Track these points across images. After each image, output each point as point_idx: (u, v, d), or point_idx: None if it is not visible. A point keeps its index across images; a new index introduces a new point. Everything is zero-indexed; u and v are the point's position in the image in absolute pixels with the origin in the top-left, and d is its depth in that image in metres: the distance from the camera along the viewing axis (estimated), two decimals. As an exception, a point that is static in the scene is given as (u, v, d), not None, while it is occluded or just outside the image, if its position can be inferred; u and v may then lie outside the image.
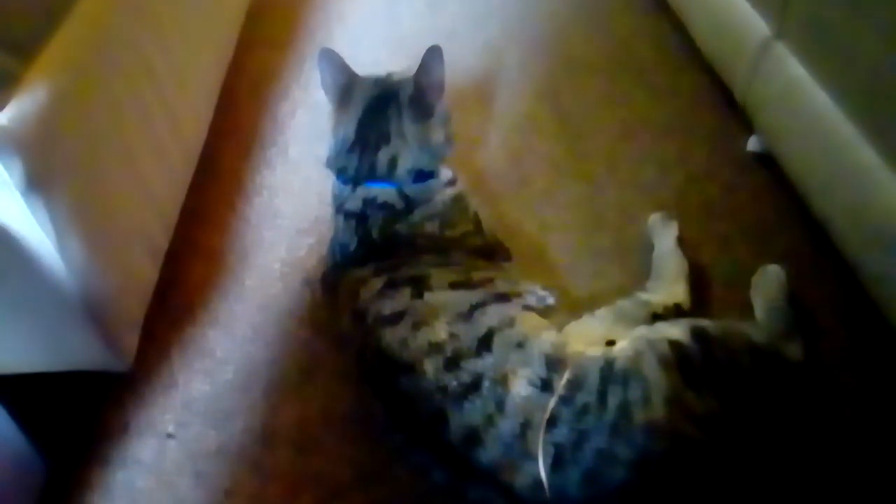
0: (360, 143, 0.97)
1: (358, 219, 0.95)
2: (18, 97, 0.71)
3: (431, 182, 0.97)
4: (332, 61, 1.00)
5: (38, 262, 0.75)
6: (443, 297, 0.84)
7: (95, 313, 0.83)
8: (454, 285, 0.86)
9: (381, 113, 0.98)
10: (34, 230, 0.72)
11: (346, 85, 1.01)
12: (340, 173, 0.99)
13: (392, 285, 0.85)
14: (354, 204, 0.96)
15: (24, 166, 0.69)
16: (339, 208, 0.98)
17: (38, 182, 0.71)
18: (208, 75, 1.25)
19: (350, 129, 0.98)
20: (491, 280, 0.89)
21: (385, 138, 0.96)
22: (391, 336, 0.81)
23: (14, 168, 0.68)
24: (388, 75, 1.03)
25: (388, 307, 0.83)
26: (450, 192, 0.98)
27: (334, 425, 0.90)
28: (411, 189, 0.96)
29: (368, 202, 0.95)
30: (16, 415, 0.82)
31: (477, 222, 0.98)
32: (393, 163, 0.96)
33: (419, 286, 0.85)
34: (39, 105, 0.72)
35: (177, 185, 1.08)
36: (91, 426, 0.92)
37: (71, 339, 0.85)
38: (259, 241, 1.13)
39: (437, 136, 0.99)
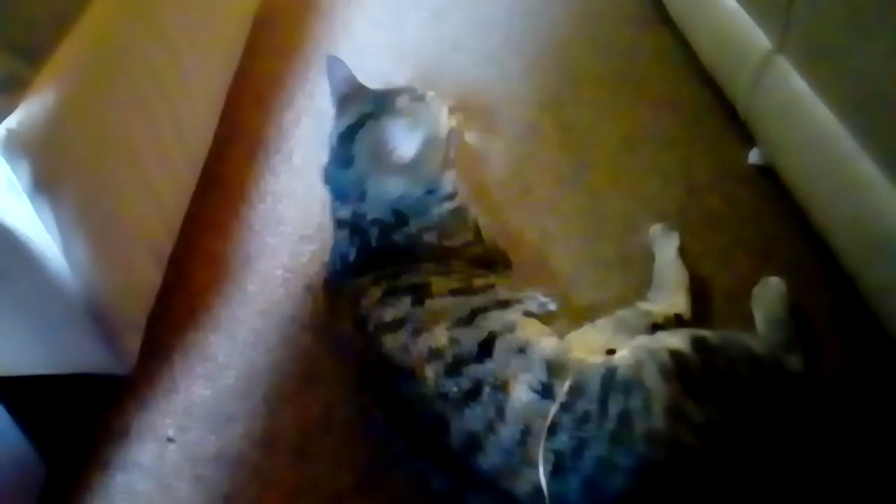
0: (339, 158, 0.97)
1: (351, 228, 0.95)
2: (27, 101, 0.72)
3: (425, 197, 0.96)
4: (335, 70, 1.01)
5: (43, 264, 0.75)
6: (443, 303, 0.84)
7: (98, 316, 0.83)
8: (455, 292, 0.86)
9: (359, 132, 0.96)
10: (40, 232, 0.73)
11: (346, 95, 1.01)
12: (328, 184, 0.99)
13: (393, 293, 0.86)
14: (345, 213, 0.96)
15: (32, 169, 0.70)
16: (333, 217, 0.98)
17: (45, 185, 0.72)
18: (214, 82, 1.26)
19: (334, 142, 0.98)
20: (492, 286, 0.89)
21: (352, 160, 0.96)
22: (392, 343, 0.81)
23: (22, 171, 0.69)
24: (391, 92, 1.00)
25: (388, 314, 0.84)
26: (448, 205, 0.97)
27: (334, 431, 0.90)
28: (401, 205, 0.95)
29: (359, 216, 0.94)
30: (17, 416, 0.82)
31: (477, 231, 0.98)
32: (361, 183, 0.95)
33: (420, 293, 0.85)
34: (47, 109, 0.73)
35: (181, 190, 1.09)
36: (92, 429, 0.92)
37: (73, 342, 0.85)
38: (262, 247, 1.14)
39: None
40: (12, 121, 0.69)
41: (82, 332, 0.83)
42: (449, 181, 0.99)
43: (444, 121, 0.99)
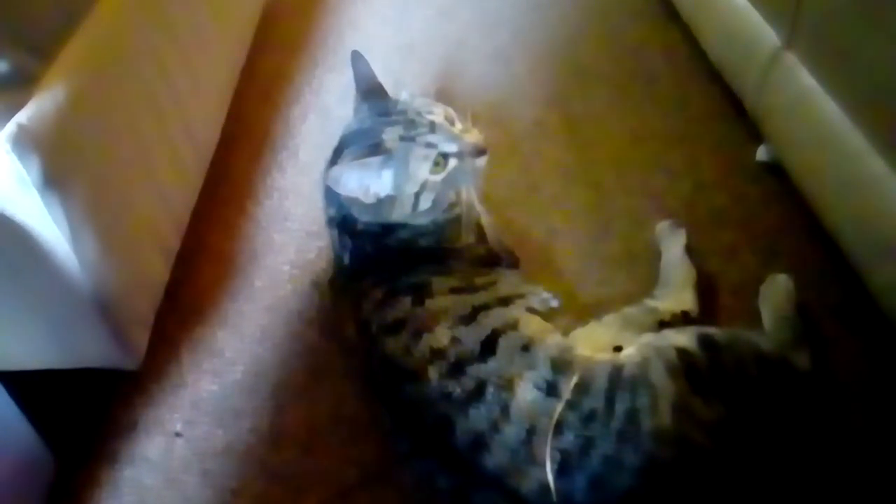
0: (331, 159, 0.92)
1: (339, 226, 0.93)
2: (37, 97, 0.72)
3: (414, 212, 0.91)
4: (358, 65, 0.95)
5: (52, 259, 0.76)
6: (444, 302, 0.83)
7: (107, 311, 0.83)
8: (455, 290, 0.86)
9: (345, 150, 0.90)
10: (50, 228, 0.74)
11: (365, 93, 0.95)
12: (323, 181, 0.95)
13: (393, 294, 0.85)
14: (332, 211, 0.94)
15: (42, 165, 0.70)
16: (325, 214, 0.96)
17: (55, 180, 0.72)
18: (221, 78, 1.26)
19: (337, 140, 0.94)
20: (493, 283, 0.89)
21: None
22: (394, 344, 0.81)
23: (32, 166, 0.70)
24: (388, 120, 0.90)
25: (389, 316, 0.83)
26: (445, 215, 0.92)
27: (341, 426, 0.90)
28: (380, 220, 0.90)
29: (345, 216, 0.92)
30: (26, 411, 0.83)
31: (479, 232, 0.96)
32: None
33: (420, 293, 0.84)
34: (57, 105, 0.73)
35: (189, 187, 1.09)
36: (100, 423, 0.93)
37: (82, 337, 0.86)
38: (269, 243, 1.14)
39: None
40: (22, 116, 0.70)
41: (91, 326, 0.84)
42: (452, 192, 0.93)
43: (421, 174, 0.87)
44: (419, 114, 0.89)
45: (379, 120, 0.90)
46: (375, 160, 0.86)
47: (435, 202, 0.89)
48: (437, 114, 0.90)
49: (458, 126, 0.91)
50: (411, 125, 0.88)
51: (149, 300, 0.94)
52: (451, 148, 0.87)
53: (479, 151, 0.89)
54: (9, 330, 0.83)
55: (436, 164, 0.87)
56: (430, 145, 0.87)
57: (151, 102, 0.96)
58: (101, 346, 0.87)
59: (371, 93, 0.93)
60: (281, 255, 1.12)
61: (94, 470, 0.88)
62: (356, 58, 0.95)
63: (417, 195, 0.88)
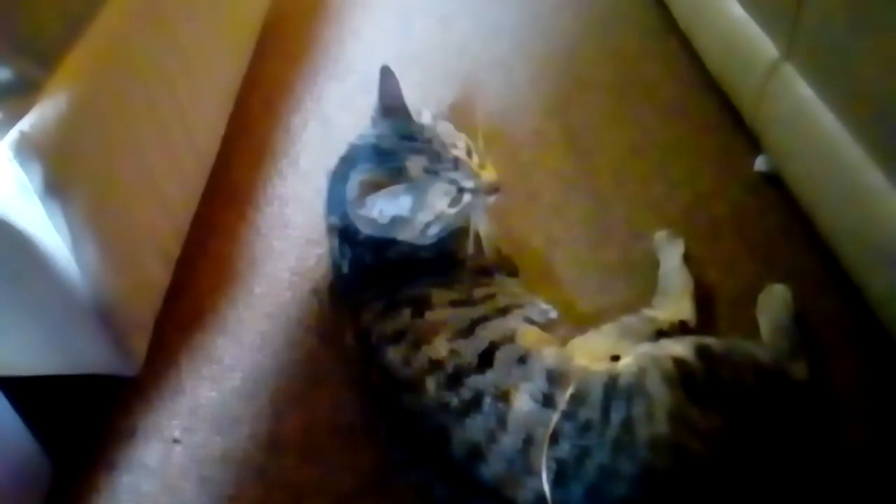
0: (339, 171, 0.94)
1: (340, 235, 0.93)
2: (40, 105, 0.73)
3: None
4: (386, 80, 0.94)
5: (53, 265, 0.76)
6: (443, 315, 0.84)
7: (107, 317, 0.84)
8: (455, 303, 0.86)
9: (358, 165, 0.91)
10: (51, 234, 0.74)
11: (387, 108, 0.94)
12: (327, 188, 0.96)
13: (393, 306, 0.86)
14: (334, 220, 0.94)
15: (44, 172, 0.71)
16: (326, 220, 0.97)
17: (57, 187, 0.73)
18: (223, 86, 1.27)
19: (348, 149, 0.94)
20: (493, 296, 0.89)
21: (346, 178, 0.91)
22: (393, 355, 0.82)
23: (34, 173, 0.70)
24: (413, 146, 0.90)
25: (389, 327, 0.84)
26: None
27: (339, 434, 0.90)
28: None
29: (347, 226, 0.92)
30: (25, 416, 0.83)
31: (478, 243, 0.96)
32: (345, 204, 0.90)
33: (419, 305, 0.85)
34: (60, 112, 0.74)
35: (190, 193, 1.10)
36: (98, 429, 0.93)
37: (82, 343, 0.86)
38: (269, 250, 1.14)
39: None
40: (25, 124, 0.70)
41: (90, 332, 0.84)
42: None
43: (438, 206, 0.89)
44: (444, 146, 0.90)
45: (402, 144, 0.90)
46: (399, 187, 0.87)
47: (442, 230, 0.91)
48: (460, 147, 0.92)
49: (476, 159, 0.93)
50: (436, 158, 0.89)
51: (148, 306, 0.95)
52: (469, 185, 0.90)
53: (494, 189, 0.92)
54: (8, 336, 0.83)
55: (452, 198, 0.89)
56: (452, 181, 0.89)
57: (153, 110, 0.97)
58: (101, 352, 0.87)
59: (394, 111, 0.94)
60: (281, 262, 1.12)
61: (93, 476, 0.88)
62: (386, 73, 0.94)
63: (429, 224, 0.90)
